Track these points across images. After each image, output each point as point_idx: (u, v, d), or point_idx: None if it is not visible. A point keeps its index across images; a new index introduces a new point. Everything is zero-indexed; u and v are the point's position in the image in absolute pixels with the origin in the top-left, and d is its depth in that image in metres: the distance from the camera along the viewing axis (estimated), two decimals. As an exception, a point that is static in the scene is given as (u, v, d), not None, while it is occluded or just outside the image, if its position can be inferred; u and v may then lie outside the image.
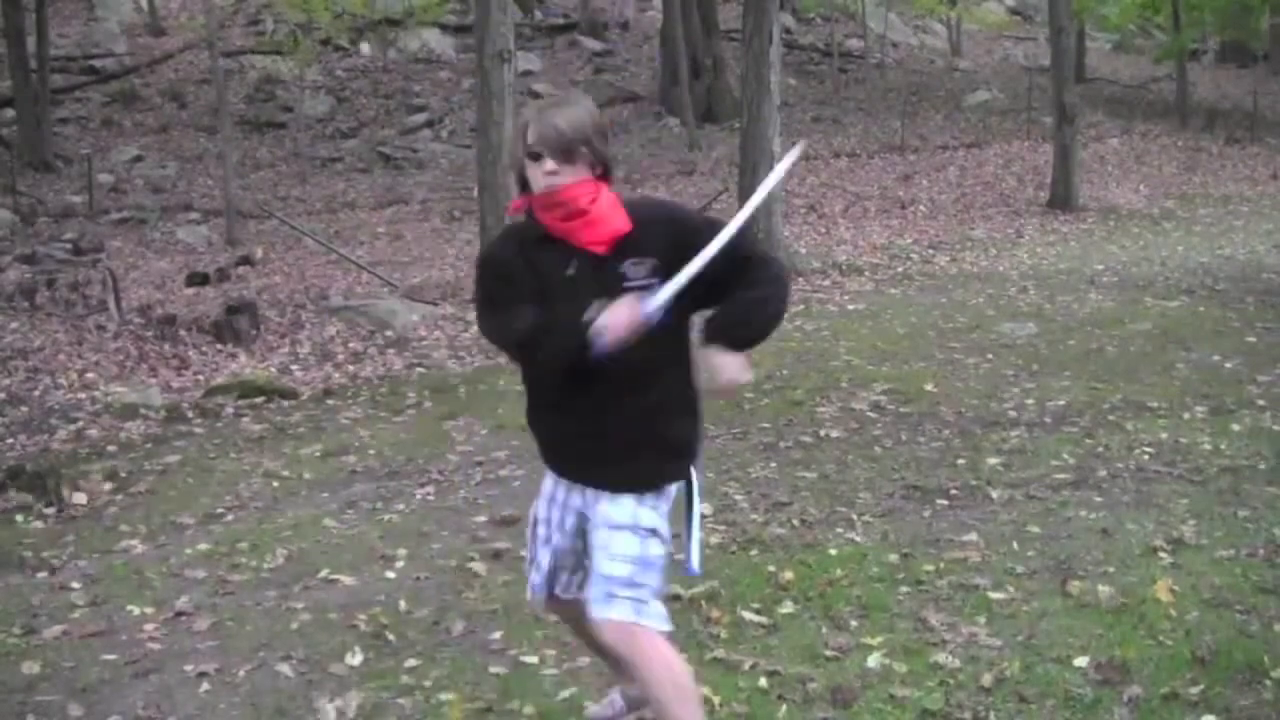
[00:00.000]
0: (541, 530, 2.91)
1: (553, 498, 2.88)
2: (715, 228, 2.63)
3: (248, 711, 3.47)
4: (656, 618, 2.72)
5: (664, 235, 2.66)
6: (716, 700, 3.32)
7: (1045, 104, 21.78)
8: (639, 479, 2.73)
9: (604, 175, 2.68)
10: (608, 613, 2.68)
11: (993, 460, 5.64)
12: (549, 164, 2.61)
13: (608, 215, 2.66)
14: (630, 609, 2.67)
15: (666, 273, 2.58)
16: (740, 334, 2.64)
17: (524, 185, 2.70)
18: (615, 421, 2.69)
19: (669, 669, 2.68)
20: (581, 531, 2.83)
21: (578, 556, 2.87)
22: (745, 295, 2.65)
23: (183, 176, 20.91)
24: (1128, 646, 3.53)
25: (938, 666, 3.48)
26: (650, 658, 2.66)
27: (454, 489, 5.69)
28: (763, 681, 3.43)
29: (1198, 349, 8.03)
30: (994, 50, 31.33)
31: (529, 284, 2.67)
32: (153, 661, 3.83)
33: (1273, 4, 25.75)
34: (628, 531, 2.70)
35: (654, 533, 2.73)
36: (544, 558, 2.91)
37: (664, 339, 2.64)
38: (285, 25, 25.38)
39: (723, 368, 2.60)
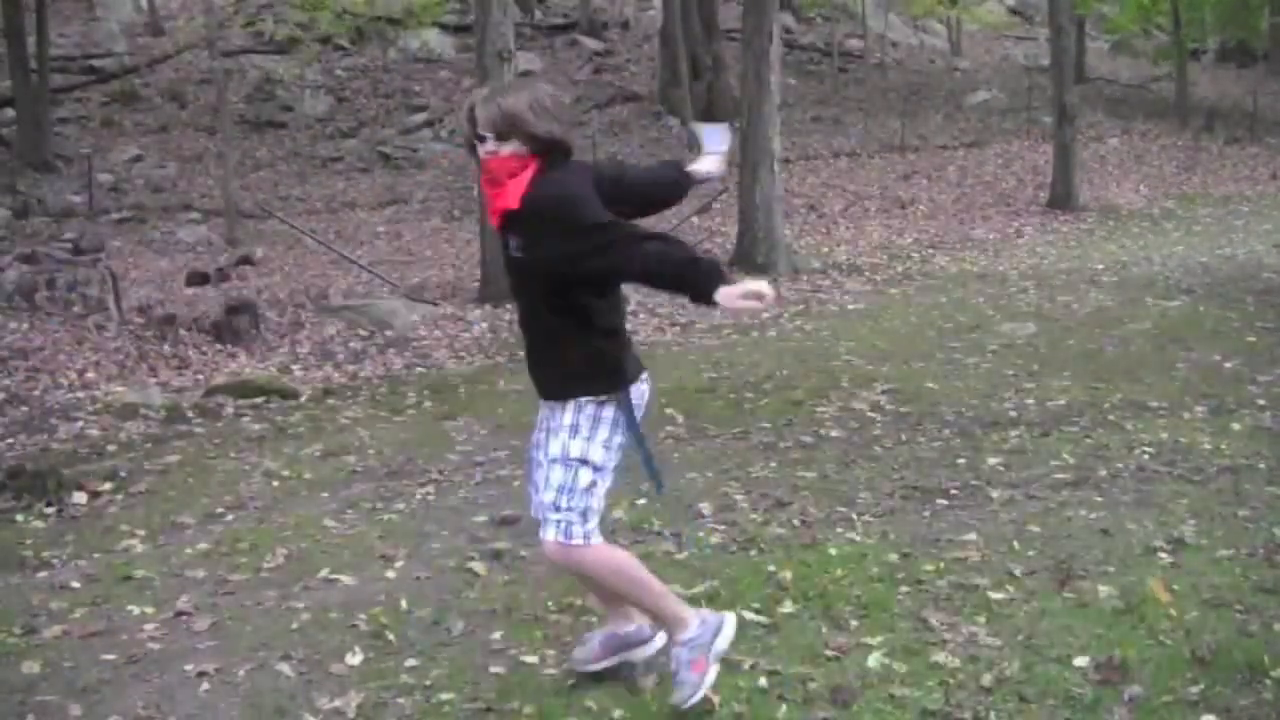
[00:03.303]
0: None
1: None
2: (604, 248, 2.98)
3: (248, 711, 3.47)
4: (582, 535, 3.15)
5: (548, 231, 3.00)
6: (716, 700, 3.32)
7: (1045, 104, 21.80)
8: (549, 392, 3.21)
9: (543, 152, 3.02)
10: (542, 534, 3.20)
11: (993, 460, 5.64)
12: (488, 143, 3.04)
13: (509, 190, 3.02)
14: (556, 531, 3.16)
15: (531, 258, 3.06)
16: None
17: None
18: (528, 342, 3.24)
19: (609, 565, 3.21)
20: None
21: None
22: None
23: (183, 176, 20.92)
24: (1128, 646, 3.53)
25: (938, 666, 3.48)
26: (589, 565, 3.19)
27: (454, 489, 5.69)
28: (763, 681, 3.43)
29: (1198, 349, 8.03)
30: (994, 50, 31.35)
31: None
32: (153, 661, 3.83)
33: (1273, 4, 25.76)
34: (559, 464, 3.14)
35: (584, 462, 3.13)
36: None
37: (529, 285, 3.14)
38: (285, 25, 25.38)
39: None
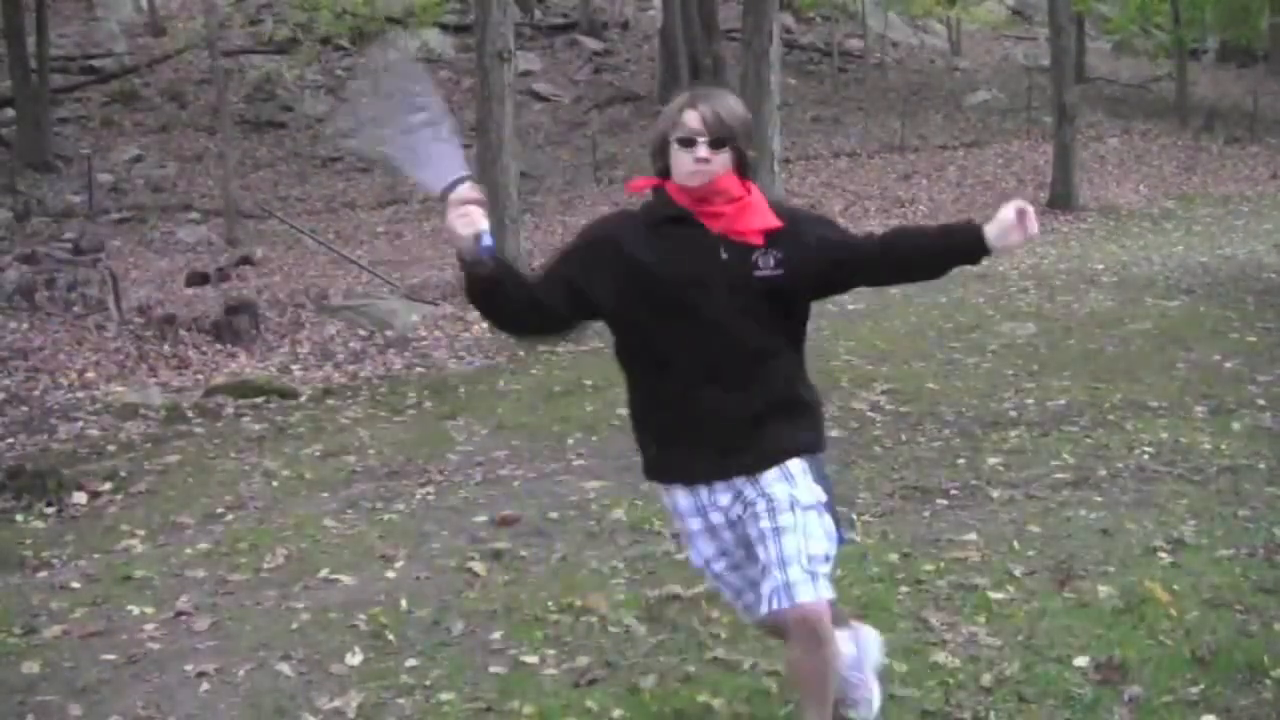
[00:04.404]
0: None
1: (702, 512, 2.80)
2: (851, 239, 2.87)
3: (248, 711, 3.46)
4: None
5: (813, 237, 2.75)
6: (716, 701, 3.32)
7: (1045, 104, 21.79)
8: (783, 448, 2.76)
9: (743, 172, 2.73)
10: (814, 594, 2.64)
11: (993, 460, 5.64)
12: (702, 150, 2.65)
13: (761, 208, 2.72)
14: (826, 585, 2.70)
15: (790, 271, 2.70)
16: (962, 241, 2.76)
17: (663, 168, 2.74)
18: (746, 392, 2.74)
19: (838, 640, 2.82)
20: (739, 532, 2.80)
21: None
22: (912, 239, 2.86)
23: (183, 176, 20.91)
24: (1128, 646, 3.52)
25: (938, 666, 3.48)
26: (833, 631, 2.75)
27: (454, 489, 5.69)
28: (763, 681, 3.43)
29: (1198, 349, 8.02)
30: (994, 50, 31.33)
31: (618, 269, 2.67)
32: (153, 661, 3.83)
33: (1273, 4, 25.75)
34: (813, 510, 2.72)
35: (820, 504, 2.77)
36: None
37: (769, 311, 2.72)
38: (285, 25, 25.37)
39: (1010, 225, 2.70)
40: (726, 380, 2.68)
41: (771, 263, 2.68)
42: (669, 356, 2.69)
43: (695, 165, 2.65)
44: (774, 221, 2.71)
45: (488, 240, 2.57)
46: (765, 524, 2.67)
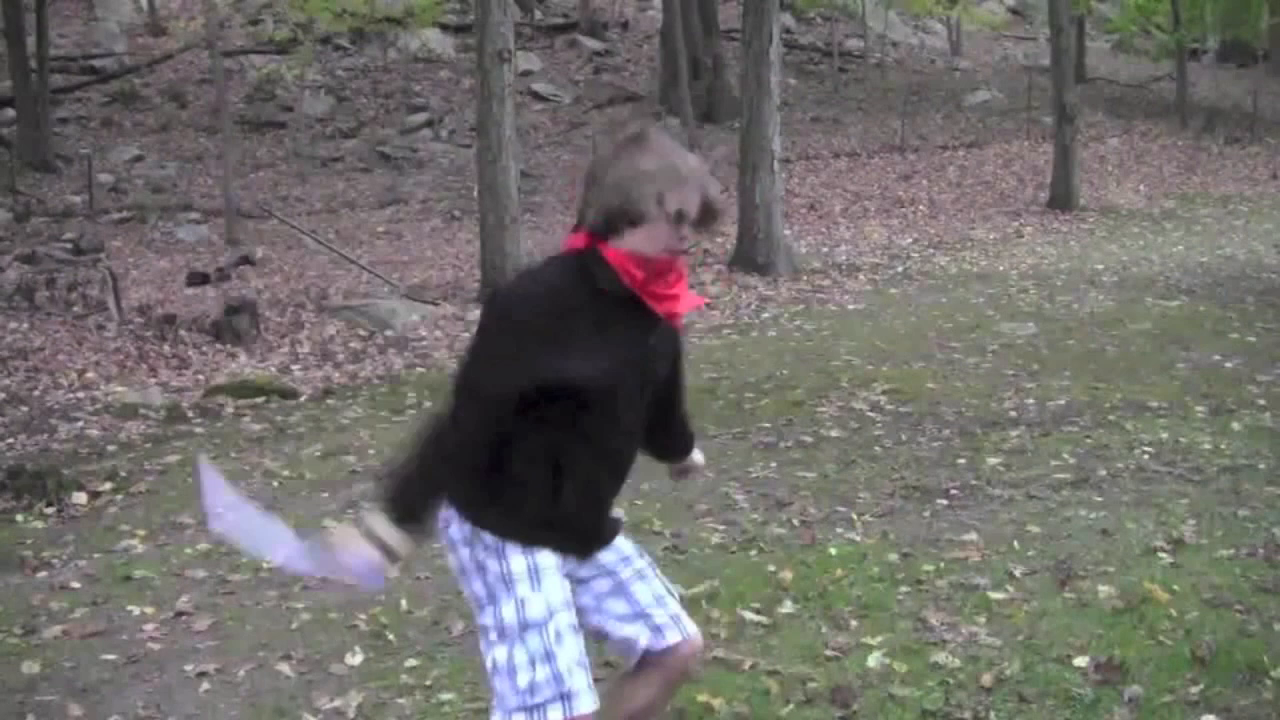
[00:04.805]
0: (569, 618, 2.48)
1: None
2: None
3: (248, 711, 3.47)
4: None
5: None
6: (717, 701, 3.32)
7: (1045, 104, 21.78)
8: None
9: None
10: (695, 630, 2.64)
11: (993, 460, 5.64)
12: (689, 234, 2.34)
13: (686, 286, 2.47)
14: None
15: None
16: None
17: (613, 225, 2.34)
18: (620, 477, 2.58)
19: None
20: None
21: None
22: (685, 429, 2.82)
23: (183, 176, 20.90)
24: (1128, 646, 3.53)
25: (938, 666, 3.48)
26: None
27: (454, 489, 5.68)
28: (763, 681, 3.43)
29: (1198, 349, 8.03)
30: (994, 50, 31.32)
31: (591, 341, 2.32)
32: (153, 661, 3.83)
33: (1273, 4, 25.75)
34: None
35: None
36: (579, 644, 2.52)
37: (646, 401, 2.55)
38: (285, 25, 25.36)
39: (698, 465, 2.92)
40: (620, 466, 2.50)
41: (674, 349, 2.53)
42: (584, 434, 2.39)
43: (681, 247, 2.35)
44: (698, 301, 2.54)
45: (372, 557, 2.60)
46: (625, 572, 2.58)
